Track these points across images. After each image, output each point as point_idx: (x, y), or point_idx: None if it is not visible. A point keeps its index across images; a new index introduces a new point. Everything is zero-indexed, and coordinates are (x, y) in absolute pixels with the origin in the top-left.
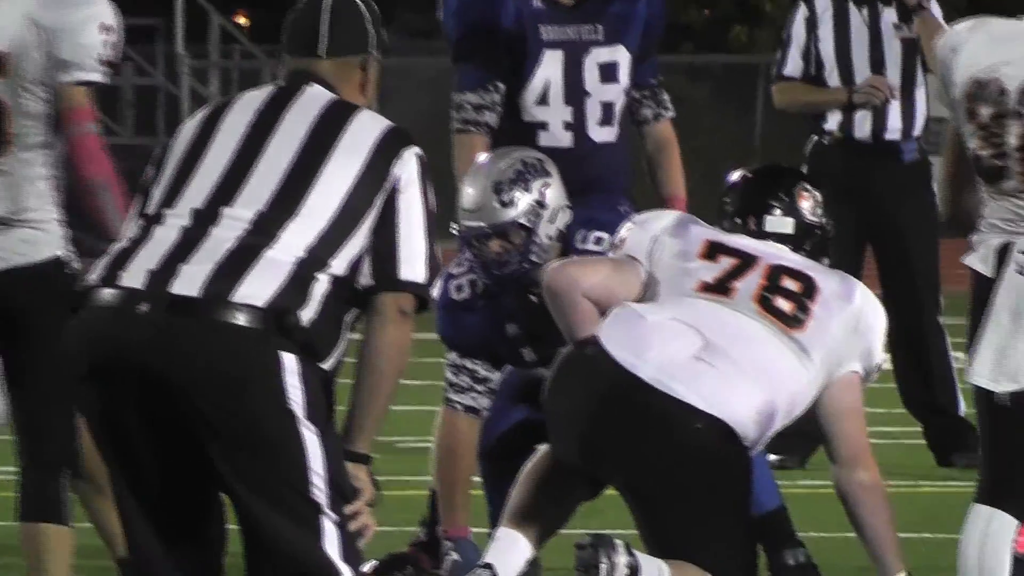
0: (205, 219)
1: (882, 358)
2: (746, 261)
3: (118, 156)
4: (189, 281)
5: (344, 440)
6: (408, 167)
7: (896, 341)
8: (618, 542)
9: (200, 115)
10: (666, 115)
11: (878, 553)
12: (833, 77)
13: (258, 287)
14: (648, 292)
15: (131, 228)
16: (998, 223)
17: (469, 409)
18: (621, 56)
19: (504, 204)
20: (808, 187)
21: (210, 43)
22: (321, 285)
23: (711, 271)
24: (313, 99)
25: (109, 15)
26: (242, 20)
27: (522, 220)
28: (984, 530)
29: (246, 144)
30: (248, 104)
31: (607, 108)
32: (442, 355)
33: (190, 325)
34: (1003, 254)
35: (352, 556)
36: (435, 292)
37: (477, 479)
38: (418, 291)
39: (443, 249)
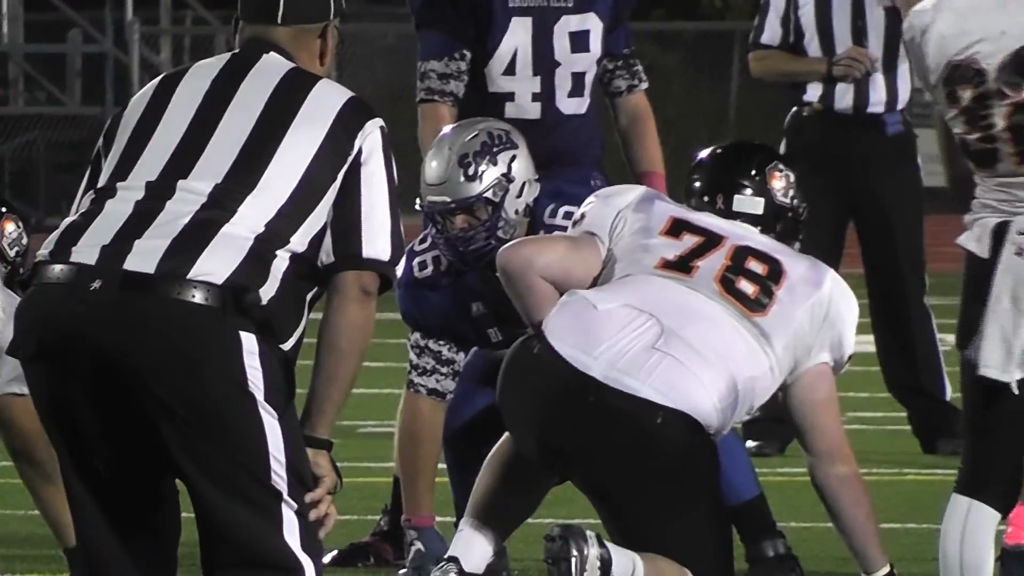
0: (160, 193)
1: (852, 348)
2: (711, 240)
3: (65, 126)
4: (143, 257)
5: (304, 425)
6: (370, 140)
7: (880, 321)
8: (589, 533)
9: (152, 85)
10: (640, 86)
11: (859, 546)
12: (813, 46)
13: (216, 263)
14: (606, 269)
15: (83, 202)
16: (992, 203)
17: (433, 392)
18: (592, 24)
19: (469, 178)
20: (781, 167)
21: (161, 8)
22: (281, 262)
23: (673, 248)
24: (271, 68)
25: None
26: None
27: (488, 195)
28: (963, 523)
29: (202, 115)
30: (203, 73)
31: (577, 78)
32: (405, 335)
33: (144, 303)
34: (999, 235)
35: (312, 546)
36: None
37: (442, 465)
38: (382, 269)
39: (405, 225)
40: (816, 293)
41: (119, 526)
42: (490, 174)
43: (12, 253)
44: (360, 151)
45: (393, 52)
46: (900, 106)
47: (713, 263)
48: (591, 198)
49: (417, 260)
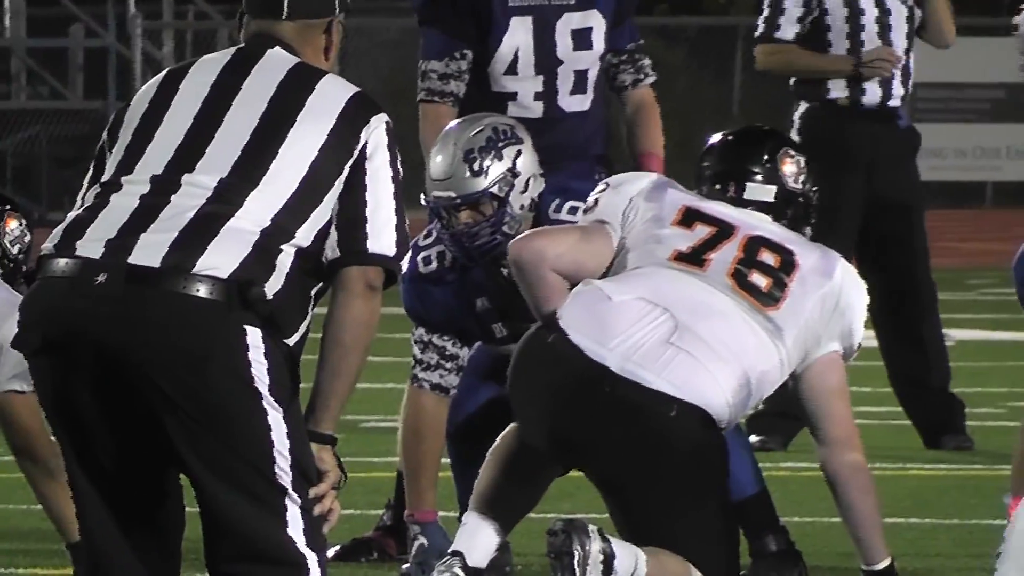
0: (165, 187)
1: (862, 337)
2: (723, 230)
3: (67, 121)
4: (149, 251)
5: (308, 420)
6: (376, 134)
7: (885, 317)
8: (592, 527)
9: (157, 80)
10: (645, 81)
11: (865, 537)
12: (839, 43)
13: (221, 258)
14: (619, 260)
15: (87, 196)
16: None
17: (436, 387)
18: (595, 21)
19: (475, 173)
20: (792, 152)
21: (164, 3)
22: (286, 257)
23: (686, 240)
24: (276, 63)
25: None
26: None
27: (494, 190)
28: None
29: (207, 110)
30: (208, 68)
31: (580, 76)
32: (408, 330)
33: (149, 297)
34: None
35: (316, 541)
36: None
37: (445, 460)
38: (387, 264)
39: (409, 219)
40: (827, 283)
41: (123, 520)
42: (495, 169)
43: (14, 251)
44: (365, 146)
45: (396, 47)
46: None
47: (726, 255)
48: (601, 186)
49: (421, 255)
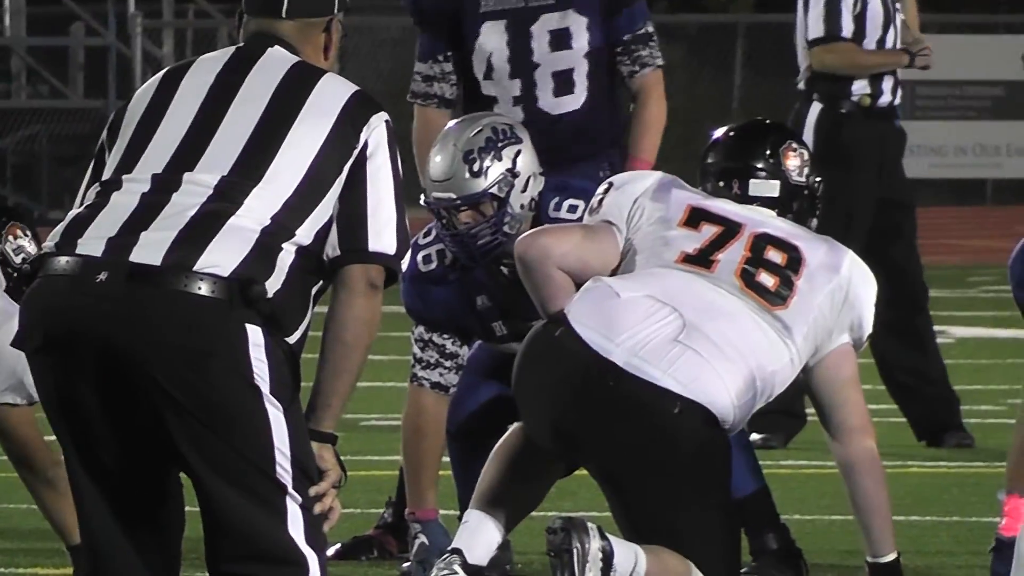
0: (166, 185)
1: (871, 329)
2: (730, 229)
3: (67, 119)
4: (150, 249)
5: (309, 419)
6: (376, 133)
7: (881, 309)
8: (591, 526)
9: (157, 78)
10: (643, 71)
11: (876, 527)
12: (874, 37)
13: (222, 256)
14: (625, 261)
15: (88, 195)
16: None
17: (437, 385)
18: (574, 20)
19: (475, 174)
20: (795, 145)
21: (163, 2)
22: (287, 255)
23: (692, 241)
24: (276, 62)
25: None
26: None
27: (494, 191)
28: None
29: (207, 108)
30: (208, 67)
31: (560, 77)
32: (408, 329)
33: (150, 295)
34: None
35: (316, 539)
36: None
37: (446, 459)
38: (388, 263)
39: (409, 218)
40: (835, 277)
41: (124, 520)
42: (495, 170)
43: (18, 260)
44: (366, 145)
45: (396, 45)
46: None
47: (733, 255)
48: (605, 186)
49: (421, 254)
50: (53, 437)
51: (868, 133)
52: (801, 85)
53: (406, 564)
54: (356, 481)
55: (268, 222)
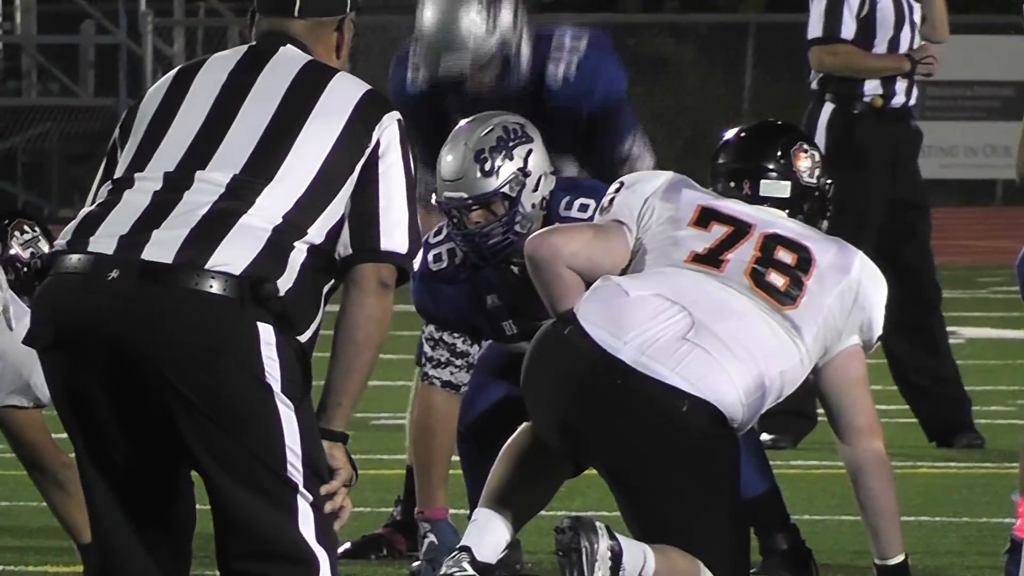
0: (178, 183)
1: (881, 330)
2: (740, 229)
3: (78, 117)
4: (162, 247)
5: (320, 418)
6: (388, 132)
7: (893, 310)
8: (599, 525)
9: (169, 77)
10: None
11: (883, 529)
12: (884, 40)
13: (234, 254)
14: (635, 261)
15: (100, 193)
16: None
17: (447, 384)
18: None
19: (486, 173)
20: (806, 147)
21: (175, 0)
22: (298, 254)
23: (702, 241)
24: (288, 60)
25: None
26: None
27: (505, 190)
28: None
29: (219, 106)
30: (220, 65)
31: None
32: (419, 327)
33: (161, 293)
34: None
35: (327, 538)
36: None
37: (456, 458)
38: (399, 262)
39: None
40: (845, 278)
41: (134, 518)
42: (506, 169)
43: (26, 255)
44: (378, 144)
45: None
46: None
47: (742, 255)
48: (616, 185)
49: (432, 253)
50: (63, 435)
51: (880, 134)
52: (814, 85)
53: (415, 563)
54: (366, 480)
55: (279, 221)
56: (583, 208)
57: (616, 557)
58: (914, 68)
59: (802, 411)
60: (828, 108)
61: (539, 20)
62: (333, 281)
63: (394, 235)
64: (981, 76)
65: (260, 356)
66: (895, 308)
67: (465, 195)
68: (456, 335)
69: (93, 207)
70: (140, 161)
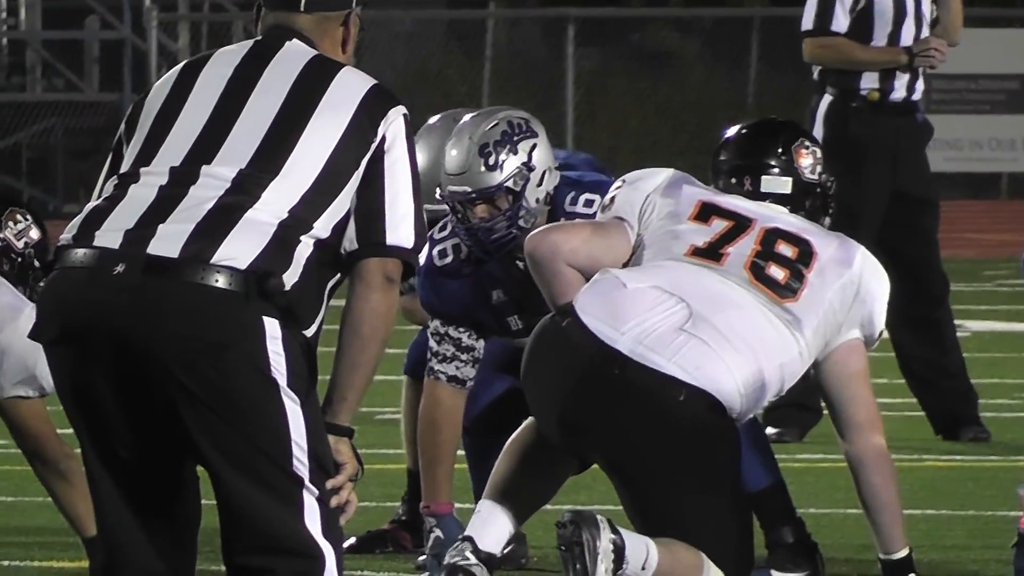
0: (184, 178)
1: (883, 325)
2: (740, 224)
3: (82, 113)
4: (167, 241)
5: (325, 412)
6: (394, 127)
7: (900, 303)
8: (601, 519)
9: (175, 71)
10: None
11: (885, 523)
12: (882, 35)
13: (239, 248)
14: (636, 255)
15: (106, 187)
16: None
17: (453, 379)
18: None
19: (490, 168)
20: (807, 143)
21: None
22: (304, 248)
23: (702, 234)
24: (294, 55)
25: None
26: None
27: (509, 184)
28: None
29: (225, 101)
30: (226, 60)
31: None
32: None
33: (167, 287)
34: None
35: (333, 532)
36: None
37: (461, 453)
38: (405, 256)
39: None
40: (847, 272)
41: (140, 511)
42: (511, 163)
43: (20, 244)
44: (384, 138)
45: (411, 38)
46: None
47: (743, 249)
48: (618, 183)
49: (437, 248)
50: (68, 430)
51: (878, 128)
52: (815, 77)
53: (421, 558)
54: (371, 475)
55: (285, 215)
56: (588, 203)
57: (618, 550)
58: (912, 61)
59: (806, 404)
60: (827, 100)
61: (544, 13)
62: (339, 276)
63: (400, 230)
64: (986, 69)
65: (266, 350)
66: (902, 301)
67: (469, 189)
68: (461, 330)
69: (99, 201)
70: (146, 156)
